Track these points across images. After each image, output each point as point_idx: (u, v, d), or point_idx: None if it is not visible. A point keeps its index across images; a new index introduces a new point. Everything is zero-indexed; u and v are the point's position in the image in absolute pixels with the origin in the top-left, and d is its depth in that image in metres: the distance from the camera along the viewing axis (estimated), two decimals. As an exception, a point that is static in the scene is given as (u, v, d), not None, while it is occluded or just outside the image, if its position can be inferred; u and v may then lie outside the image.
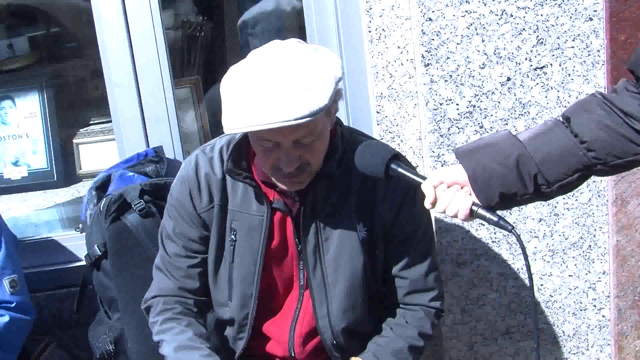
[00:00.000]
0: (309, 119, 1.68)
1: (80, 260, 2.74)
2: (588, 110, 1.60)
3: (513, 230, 1.61)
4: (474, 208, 1.63)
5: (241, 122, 1.71)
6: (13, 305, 2.37)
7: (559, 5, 2.40)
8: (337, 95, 1.80)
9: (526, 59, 2.44)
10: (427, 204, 1.68)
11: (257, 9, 3.62)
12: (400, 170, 1.74)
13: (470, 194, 1.65)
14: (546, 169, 1.60)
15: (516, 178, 1.61)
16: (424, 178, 1.71)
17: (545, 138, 1.62)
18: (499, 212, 1.66)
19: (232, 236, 1.99)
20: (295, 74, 1.71)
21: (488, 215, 1.63)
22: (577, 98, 2.44)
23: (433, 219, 2.51)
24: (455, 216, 1.65)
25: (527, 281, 2.61)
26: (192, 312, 2.05)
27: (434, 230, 2.22)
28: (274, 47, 1.81)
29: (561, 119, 1.64)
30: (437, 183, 1.68)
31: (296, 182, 1.87)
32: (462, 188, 1.66)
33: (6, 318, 2.35)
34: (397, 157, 1.76)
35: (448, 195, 1.66)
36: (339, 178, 1.94)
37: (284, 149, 1.79)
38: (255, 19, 3.58)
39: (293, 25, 3.60)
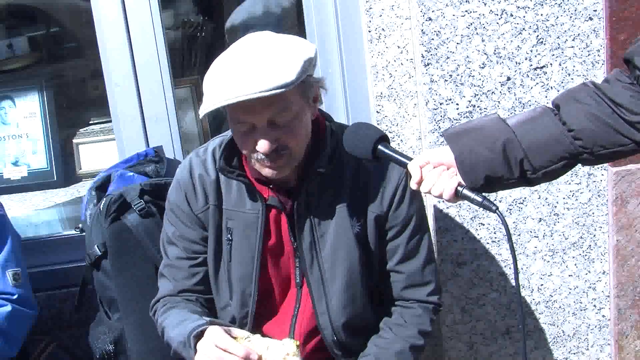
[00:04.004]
0: (274, 91, 1.73)
1: (80, 260, 2.74)
2: (578, 100, 1.61)
3: (497, 211, 1.62)
4: (459, 188, 1.65)
5: (213, 100, 1.78)
6: (15, 297, 2.39)
7: (559, 4, 2.40)
8: (309, 70, 1.83)
9: (526, 59, 2.44)
10: (412, 184, 1.70)
11: (245, 12, 3.60)
12: (387, 151, 1.76)
13: (456, 175, 1.67)
14: (532, 155, 1.61)
15: (502, 162, 1.62)
16: (410, 159, 1.73)
17: (533, 124, 1.63)
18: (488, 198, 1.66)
19: (229, 235, 2.01)
20: (263, 54, 1.80)
21: (472, 195, 1.64)
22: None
23: (433, 218, 2.51)
24: (440, 196, 1.66)
25: (527, 281, 2.61)
26: (195, 305, 2.05)
27: (430, 227, 2.22)
28: (248, 37, 1.89)
29: (551, 106, 1.66)
30: (423, 163, 1.70)
31: (275, 167, 1.87)
32: (448, 169, 1.68)
33: (8, 307, 2.36)
34: (385, 139, 1.78)
35: (434, 176, 1.67)
36: (331, 174, 1.96)
37: (259, 131, 1.82)
38: (245, 23, 3.56)
39: (292, 26, 3.59)
